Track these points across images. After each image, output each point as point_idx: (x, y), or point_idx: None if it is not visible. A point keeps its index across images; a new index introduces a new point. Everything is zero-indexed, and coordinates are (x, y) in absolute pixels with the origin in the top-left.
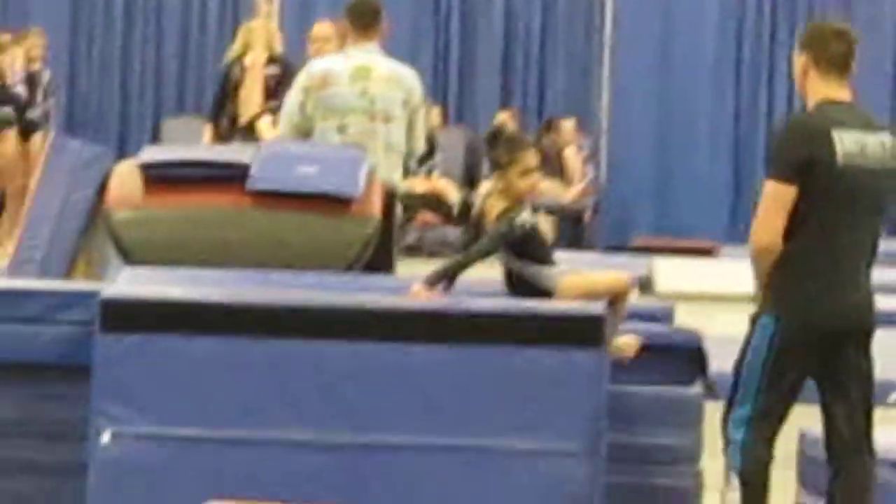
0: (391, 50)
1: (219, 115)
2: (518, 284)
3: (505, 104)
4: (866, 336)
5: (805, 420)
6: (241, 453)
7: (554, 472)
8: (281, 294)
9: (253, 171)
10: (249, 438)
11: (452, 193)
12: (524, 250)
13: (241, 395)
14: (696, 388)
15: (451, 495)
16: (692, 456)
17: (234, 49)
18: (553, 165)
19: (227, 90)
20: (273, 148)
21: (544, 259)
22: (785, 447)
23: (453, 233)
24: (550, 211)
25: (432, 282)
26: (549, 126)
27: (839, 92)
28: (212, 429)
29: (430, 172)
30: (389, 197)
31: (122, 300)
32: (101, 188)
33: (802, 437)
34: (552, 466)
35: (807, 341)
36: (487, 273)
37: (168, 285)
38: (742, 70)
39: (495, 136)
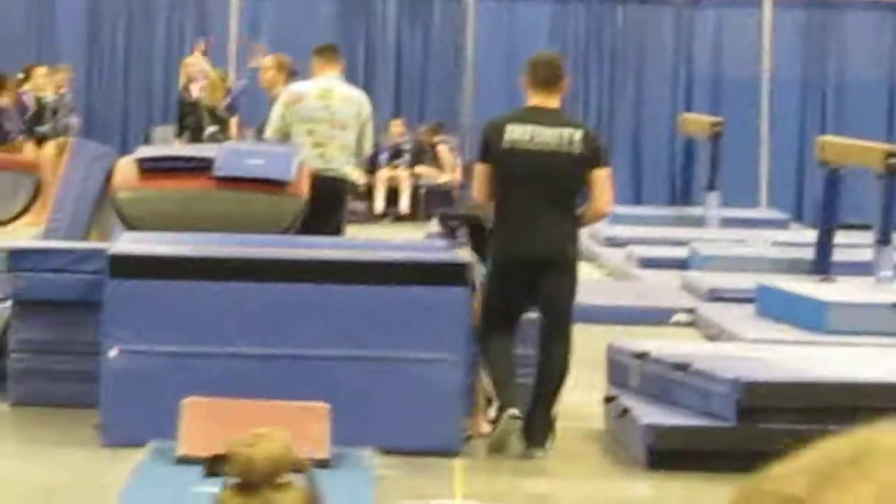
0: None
1: (180, 127)
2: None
3: (397, 114)
4: (553, 264)
5: (612, 336)
6: (209, 363)
7: (435, 374)
8: (237, 249)
9: (217, 162)
10: (214, 353)
11: (360, 178)
12: None
13: (209, 322)
14: None
15: (360, 392)
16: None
17: (181, 81)
18: (430, 156)
19: (184, 109)
20: (230, 146)
21: None
22: (597, 354)
23: (360, 205)
24: (429, 189)
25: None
26: (428, 128)
27: (545, 101)
28: (188, 346)
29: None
30: (342, 182)
31: (123, 255)
32: (109, 176)
33: (610, 347)
34: (434, 370)
35: (508, 267)
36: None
37: (156, 244)
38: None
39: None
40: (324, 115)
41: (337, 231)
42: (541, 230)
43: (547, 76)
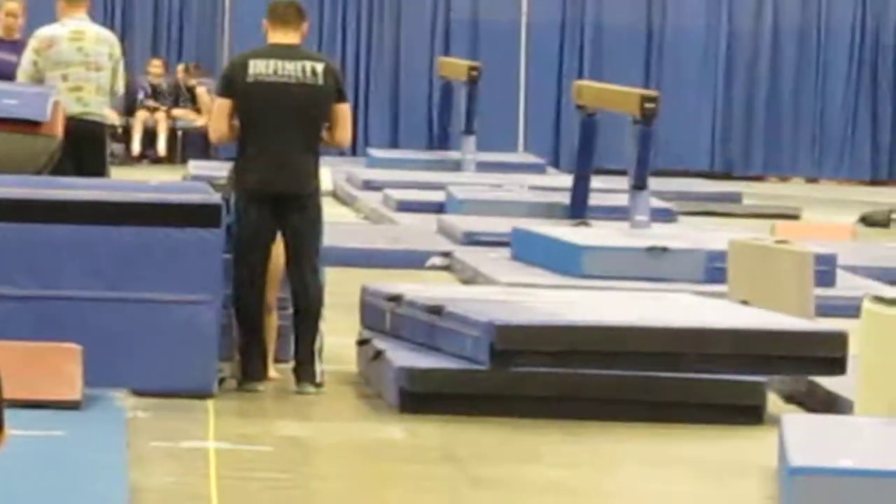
0: None
1: None
2: None
3: (155, 54)
4: (299, 198)
5: (368, 279)
6: None
7: (189, 316)
8: None
9: None
10: None
11: (115, 119)
12: None
13: None
14: None
15: (112, 333)
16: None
17: None
18: (188, 98)
19: None
20: None
21: None
22: (352, 298)
23: (118, 147)
24: (187, 132)
25: None
26: (186, 69)
27: (285, 37)
28: None
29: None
30: (101, 126)
31: None
32: None
33: (364, 290)
34: (188, 311)
35: (255, 200)
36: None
37: None
38: (323, 29)
39: None
40: (78, 58)
41: (101, 174)
42: (286, 164)
43: (286, 14)
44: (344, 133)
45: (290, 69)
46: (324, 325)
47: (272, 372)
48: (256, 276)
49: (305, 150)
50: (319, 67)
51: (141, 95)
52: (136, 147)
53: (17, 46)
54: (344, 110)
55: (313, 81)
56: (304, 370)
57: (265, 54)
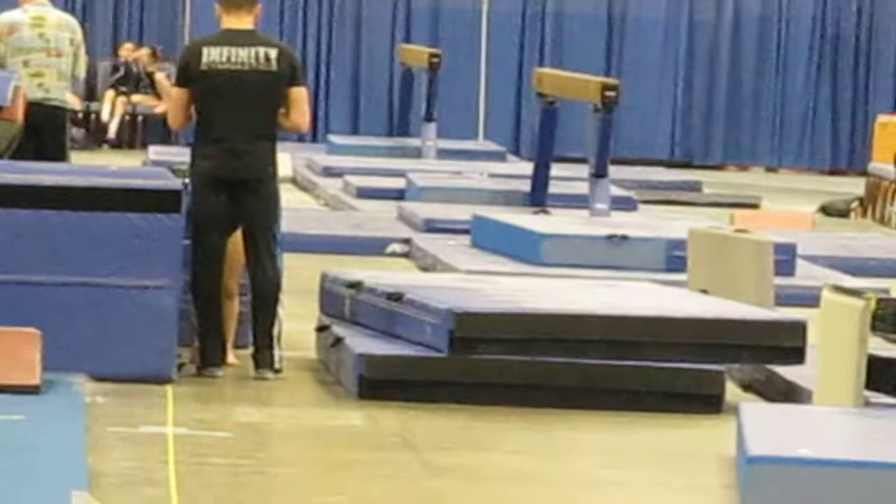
0: None
1: None
2: None
3: (116, 40)
4: (255, 184)
5: (327, 265)
6: None
7: (148, 301)
8: None
9: None
10: None
11: (77, 104)
12: None
13: None
14: None
15: (72, 318)
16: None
17: None
18: (147, 83)
19: None
20: None
21: None
22: (311, 284)
23: (77, 132)
24: (147, 117)
25: None
26: (152, 53)
27: (239, 23)
28: None
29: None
30: (62, 111)
31: None
32: None
33: (323, 276)
34: (147, 297)
35: (210, 189)
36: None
37: None
38: (284, 16)
39: None
40: (39, 44)
41: (61, 159)
42: (241, 151)
43: (239, 1)
44: (300, 117)
45: (244, 56)
46: (282, 311)
47: (231, 357)
48: (214, 261)
49: (260, 136)
50: (273, 53)
51: (108, 79)
52: (100, 131)
53: None
54: (299, 94)
55: (266, 67)
56: (263, 356)
57: (219, 41)
